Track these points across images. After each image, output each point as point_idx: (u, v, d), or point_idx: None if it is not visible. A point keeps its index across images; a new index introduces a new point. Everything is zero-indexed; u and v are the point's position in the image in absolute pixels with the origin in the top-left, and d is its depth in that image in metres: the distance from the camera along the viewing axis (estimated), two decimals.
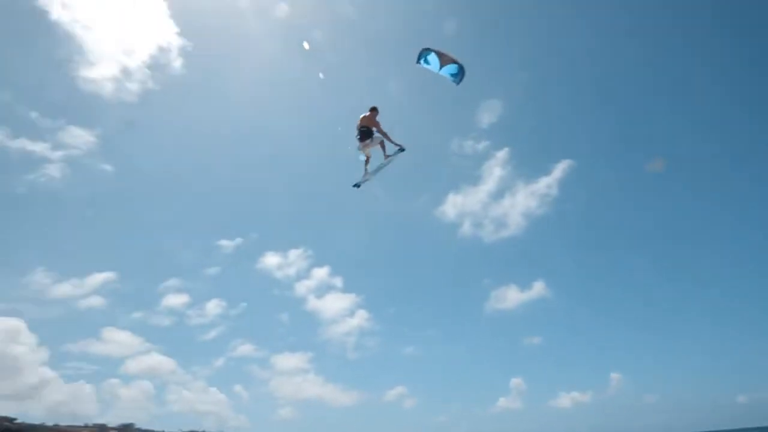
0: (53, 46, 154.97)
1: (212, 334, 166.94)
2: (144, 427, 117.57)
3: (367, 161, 11.90)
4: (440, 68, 14.01)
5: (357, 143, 10.81)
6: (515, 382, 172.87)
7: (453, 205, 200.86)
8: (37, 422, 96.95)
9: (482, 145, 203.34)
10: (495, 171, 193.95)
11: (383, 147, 11.49)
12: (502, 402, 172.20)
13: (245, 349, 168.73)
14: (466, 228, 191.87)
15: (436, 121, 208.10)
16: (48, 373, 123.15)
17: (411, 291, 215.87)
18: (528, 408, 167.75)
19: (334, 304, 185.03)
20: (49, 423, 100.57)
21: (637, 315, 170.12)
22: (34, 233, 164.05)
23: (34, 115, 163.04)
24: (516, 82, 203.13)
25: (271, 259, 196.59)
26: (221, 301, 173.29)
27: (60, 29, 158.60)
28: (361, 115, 11.93)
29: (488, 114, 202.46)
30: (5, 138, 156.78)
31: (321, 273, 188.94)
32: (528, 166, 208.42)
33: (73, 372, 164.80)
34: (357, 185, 12.71)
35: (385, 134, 11.12)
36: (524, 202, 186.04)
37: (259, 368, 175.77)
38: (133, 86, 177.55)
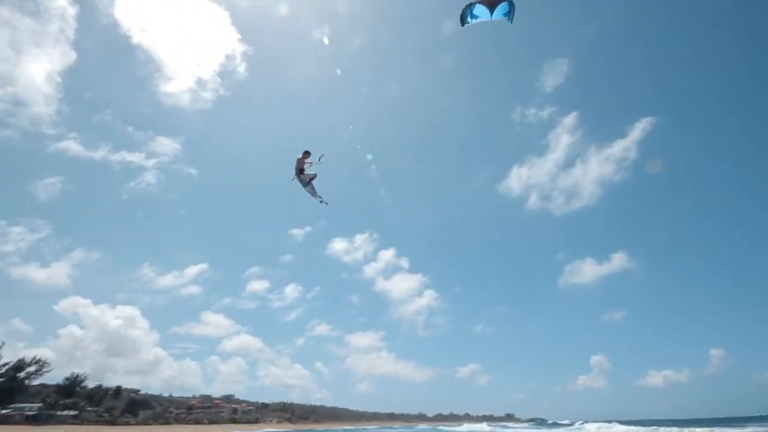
0: (137, 67, 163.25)
1: (292, 315, 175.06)
2: (242, 397, 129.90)
3: (307, 184, 14.17)
4: (491, 14, 12.93)
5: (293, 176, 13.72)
6: (596, 359, 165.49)
7: (518, 178, 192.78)
8: (155, 393, 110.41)
9: (547, 112, 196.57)
10: (563, 139, 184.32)
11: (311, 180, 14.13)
12: (581, 380, 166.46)
13: (322, 329, 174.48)
14: (533, 201, 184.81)
15: (494, 91, 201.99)
16: (160, 352, 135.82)
17: (478, 269, 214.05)
18: (612, 386, 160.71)
19: (402, 284, 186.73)
20: (165, 394, 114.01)
21: (740, 287, 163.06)
22: (138, 233, 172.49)
23: (130, 129, 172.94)
24: (581, 37, 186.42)
25: (338, 245, 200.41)
26: (297, 286, 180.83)
27: (141, 51, 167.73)
28: (302, 154, 14.47)
29: (552, 76, 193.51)
30: (109, 153, 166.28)
31: (387, 255, 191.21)
32: (600, 130, 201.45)
33: (180, 351, 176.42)
34: (322, 202, 14.94)
35: (300, 171, 13.65)
36: (598, 169, 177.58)
37: (336, 346, 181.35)
38: (207, 95, 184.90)
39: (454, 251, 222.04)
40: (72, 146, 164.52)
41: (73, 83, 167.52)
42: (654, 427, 57.16)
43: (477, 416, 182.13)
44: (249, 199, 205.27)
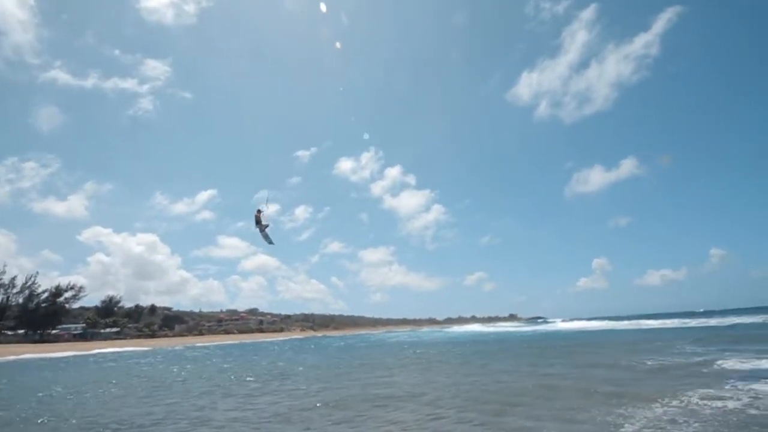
0: None
1: (305, 235, 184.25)
2: (265, 311, 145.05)
3: (262, 231, 17.89)
4: None
5: (254, 226, 17.71)
6: (598, 262, 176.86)
7: (527, 84, 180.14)
8: (186, 310, 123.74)
9: (562, 6, 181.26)
10: (578, 36, 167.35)
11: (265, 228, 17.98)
12: (582, 282, 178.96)
13: (335, 246, 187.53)
14: (543, 109, 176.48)
15: None
16: (185, 274, 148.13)
17: (485, 182, 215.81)
18: (612, 287, 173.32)
19: (410, 201, 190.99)
20: (195, 310, 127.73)
21: (749, 187, 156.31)
22: (144, 162, 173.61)
23: (116, 52, 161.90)
24: None
25: (345, 164, 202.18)
26: (308, 207, 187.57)
27: None
28: (256, 211, 17.93)
29: None
30: (99, 80, 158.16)
31: (394, 173, 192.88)
32: (621, 23, 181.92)
33: (203, 272, 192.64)
34: (270, 242, 18.28)
35: (258, 222, 17.41)
36: (615, 69, 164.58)
37: (349, 262, 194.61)
38: (190, 8, 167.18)
39: (461, 165, 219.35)
40: (60, 75, 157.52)
41: (46, 5, 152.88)
42: (636, 321, 61.08)
43: (483, 318, 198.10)
44: (249, 121, 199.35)
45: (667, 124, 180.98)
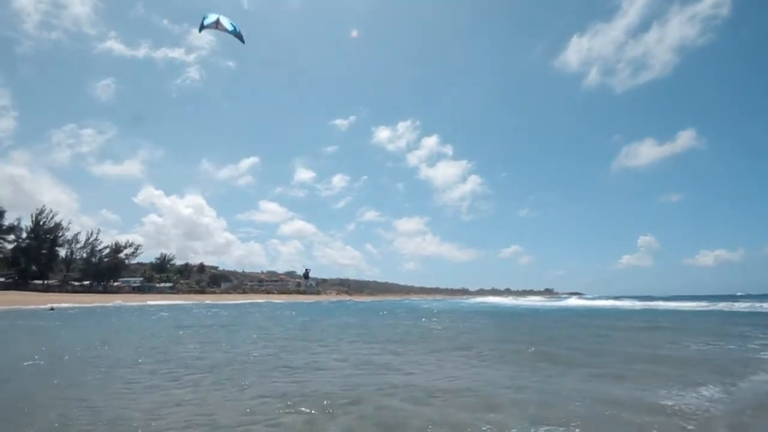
0: None
1: (341, 203, 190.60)
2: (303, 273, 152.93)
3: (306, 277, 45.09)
4: None
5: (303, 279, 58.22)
6: (644, 240, 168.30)
7: (577, 50, 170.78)
8: (231, 269, 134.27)
9: None
10: None
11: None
12: (626, 259, 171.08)
13: (371, 215, 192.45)
14: (593, 77, 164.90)
15: None
16: (229, 236, 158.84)
17: (525, 154, 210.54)
18: (658, 265, 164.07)
19: (447, 171, 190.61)
20: (239, 270, 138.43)
21: None
22: (191, 129, 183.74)
23: (165, 22, 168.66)
24: None
25: (382, 134, 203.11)
26: (345, 176, 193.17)
27: None
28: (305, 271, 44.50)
29: None
30: (150, 50, 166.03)
31: (430, 142, 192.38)
32: None
33: (245, 235, 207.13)
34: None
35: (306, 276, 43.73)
36: (678, 32, 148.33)
37: (384, 231, 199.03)
38: None
39: (501, 136, 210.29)
40: (115, 46, 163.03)
41: None
42: (653, 302, 56.44)
43: (517, 291, 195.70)
44: (289, 89, 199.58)
45: (735, 94, 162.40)
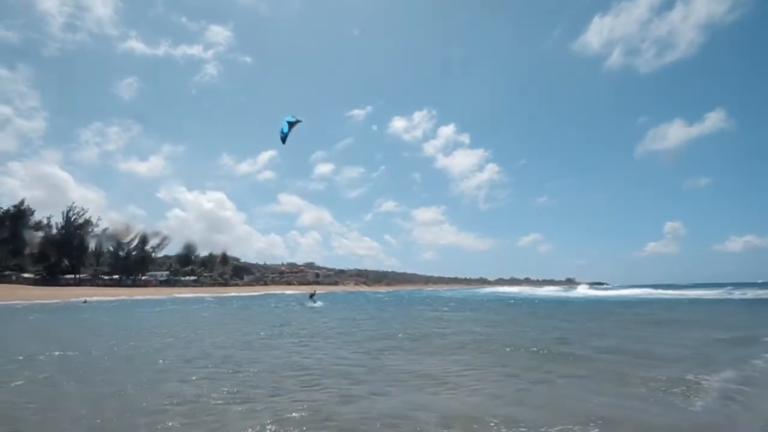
0: None
1: (358, 193, 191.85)
2: (321, 264, 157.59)
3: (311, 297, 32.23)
4: None
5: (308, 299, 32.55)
6: (671, 226, 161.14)
7: (598, 31, 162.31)
8: (252, 261, 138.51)
9: None
10: None
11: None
12: (651, 246, 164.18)
13: (388, 205, 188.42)
14: (615, 58, 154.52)
15: None
16: (249, 229, 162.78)
17: (544, 141, 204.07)
18: (685, 252, 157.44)
19: (463, 160, 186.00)
20: (260, 262, 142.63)
21: None
22: (211, 125, 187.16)
23: (183, 20, 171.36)
24: None
25: (398, 123, 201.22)
26: (361, 167, 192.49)
27: None
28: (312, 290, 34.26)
29: None
30: (170, 48, 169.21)
31: (447, 131, 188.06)
32: None
33: (265, 227, 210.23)
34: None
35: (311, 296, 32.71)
36: (705, 8, 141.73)
37: (402, 221, 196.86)
38: None
39: (519, 122, 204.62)
40: (136, 45, 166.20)
41: None
42: (679, 290, 54.60)
43: (537, 280, 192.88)
44: (304, 82, 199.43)
45: (765, 73, 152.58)
